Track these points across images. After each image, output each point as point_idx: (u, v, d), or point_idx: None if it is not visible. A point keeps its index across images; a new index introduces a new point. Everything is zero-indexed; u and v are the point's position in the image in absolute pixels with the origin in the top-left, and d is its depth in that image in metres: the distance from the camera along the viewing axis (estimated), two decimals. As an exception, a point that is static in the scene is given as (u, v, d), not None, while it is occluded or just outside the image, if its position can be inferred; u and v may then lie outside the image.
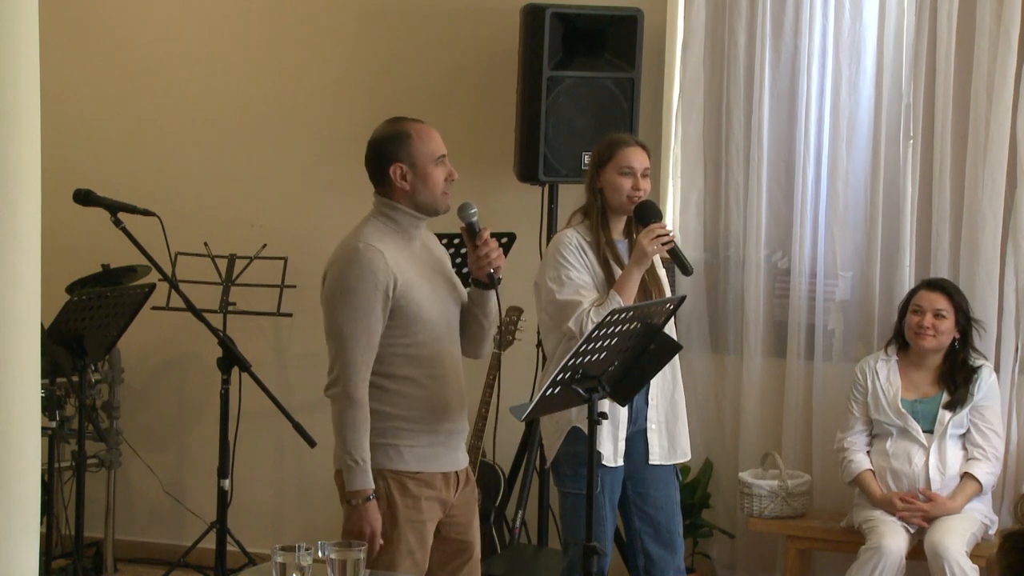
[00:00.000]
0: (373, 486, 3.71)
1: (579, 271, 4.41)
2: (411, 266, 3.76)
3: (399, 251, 3.75)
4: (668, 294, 4.57)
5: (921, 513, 5.07)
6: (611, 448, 4.45)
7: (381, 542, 3.71)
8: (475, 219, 3.81)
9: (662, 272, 4.59)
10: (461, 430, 3.90)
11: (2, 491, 2.70)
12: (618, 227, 4.53)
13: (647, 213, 4.44)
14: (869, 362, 5.32)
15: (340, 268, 3.73)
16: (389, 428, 3.77)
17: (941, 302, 5.17)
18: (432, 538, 3.84)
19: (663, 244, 4.38)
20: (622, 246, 4.51)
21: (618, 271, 4.43)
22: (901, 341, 5.29)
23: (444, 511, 3.86)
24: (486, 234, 3.79)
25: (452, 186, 3.83)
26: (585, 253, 4.44)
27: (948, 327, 5.18)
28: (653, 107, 5.76)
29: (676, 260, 4.46)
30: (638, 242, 4.39)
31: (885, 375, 5.26)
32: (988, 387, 5.20)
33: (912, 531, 5.10)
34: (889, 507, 5.10)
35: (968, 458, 5.17)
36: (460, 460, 3.90)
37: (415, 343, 3.75)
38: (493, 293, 3.83)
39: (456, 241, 5.00)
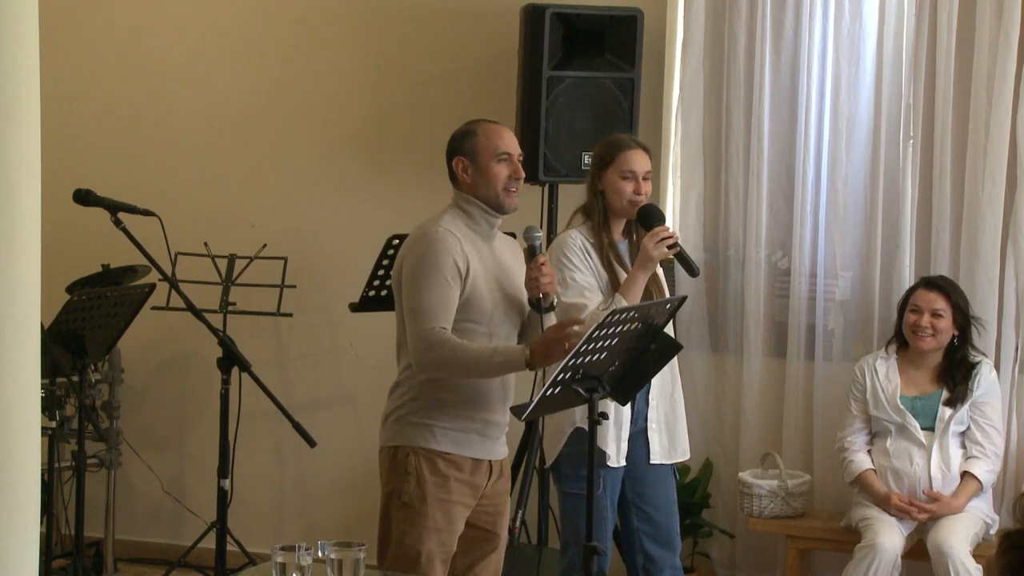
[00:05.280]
0: (521, 346, 3.78)
1: (583, 273, 4.41)
2: (479, 258, 3.89)
3: (471, 242, 3.89)
4: (668, 295, 4.57)
5: (926, 514, 5.07)
6: (614, 448, 4.46)
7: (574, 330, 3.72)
8: (537, 243, 3.95)
9: (659, 271, 4.59)
10: (500, 422, 3.97)
11: (2, 491, 2.70)
12: (618, 228, 4.53)
13: (651, 216, 4.44)
14: (868, 360, 5.32)
15: (420, 251, 3.85)
16: (426, 407, 3.87)
17: (939, 302, 5.17)
18: (461, 523, 3.92)
19: (668, 248, 4.38)
20: (622, 247, 4.52)
21: (622, 273, 4.44)
22: (901, 339, 5.30)
23: (475, 498, 3.93)
24: (540, 259, 3.91)
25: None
26: (589, 255, 4.44)
27: (946, 326, 5.18)
28: (653, 107, 5.76)
29: (682, 263, 4.46)
30: (643, 246, 4.38)
31: (884, 372, 5.26)
32: (988, 384, 5.20)
33: (907, 531, 5.10)
34: (887, 505, 5.10)
35: (968, 456, 5.16)
36: (496, 451, 3.98)
37: (467, 329, 3.85)
38: (546, 315, 3.91)
39: None
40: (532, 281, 3.91)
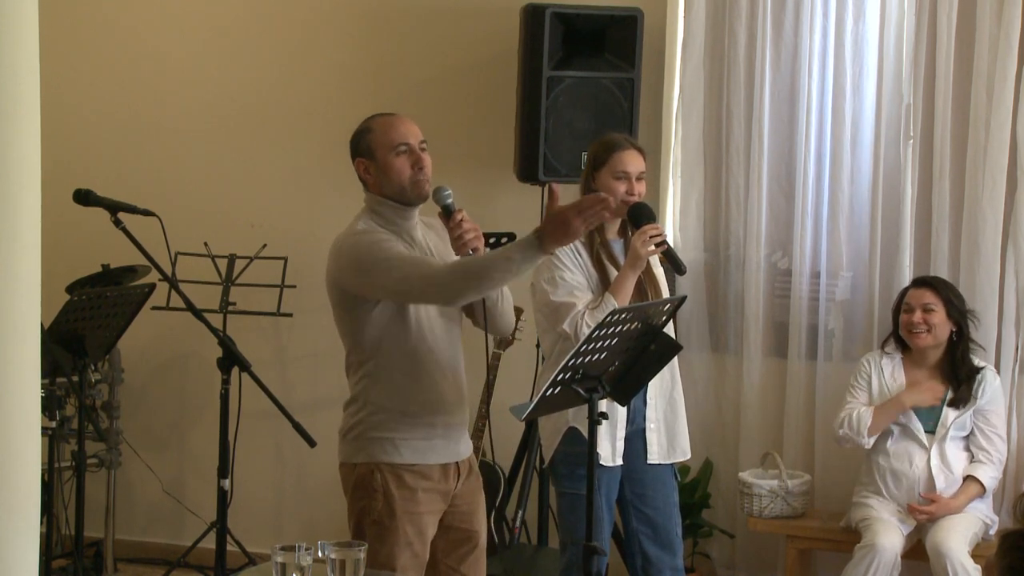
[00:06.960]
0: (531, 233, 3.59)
1: (573, 272, 4.40)
2: (407, 250, 3.79)
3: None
4: (666, 294, 4.57)
5: (924, 516, 5.07)
6: (609, 448, 4.45)
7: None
8: (449, 201, 3.80)
9: (659, 271, 4.58)
10: (460, 422, 3.90)
11: (2, 491, 2.70)
12: (612, 227, 4.52)
13: (640, 215, 4.44)
14: (875, 357, 5.32)
15: (347, 252, 3.76)
16: (384, 421, 3.79)
17: (928, 296, 5.18)
18: (432, 530, 3.86)
19: (656, 245, 4.38)
20: (617, 246, 4.51)
21: (613, 271, 4.43)
22: (901, 343, 5.30)
23: (446, 502, 3.88)
24: (459, 216, 3.77)
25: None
26: (580, 254, 4.43)
27: (940, 320, 5.18)
28: (653, 107, 5.76)
29: (670, 260, 4.46)
30: (632, 245, 4.38)
31: (890, 372, 5.26)
32: (992, 391, 5.20)
33: (906, 531, 5.11)
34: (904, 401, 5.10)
35: (973, 460, 5.17)
36: (460, 452, 3.90)
37: (409, 336, 3.77)
38: None
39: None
40: (457, 240, 3.77)
